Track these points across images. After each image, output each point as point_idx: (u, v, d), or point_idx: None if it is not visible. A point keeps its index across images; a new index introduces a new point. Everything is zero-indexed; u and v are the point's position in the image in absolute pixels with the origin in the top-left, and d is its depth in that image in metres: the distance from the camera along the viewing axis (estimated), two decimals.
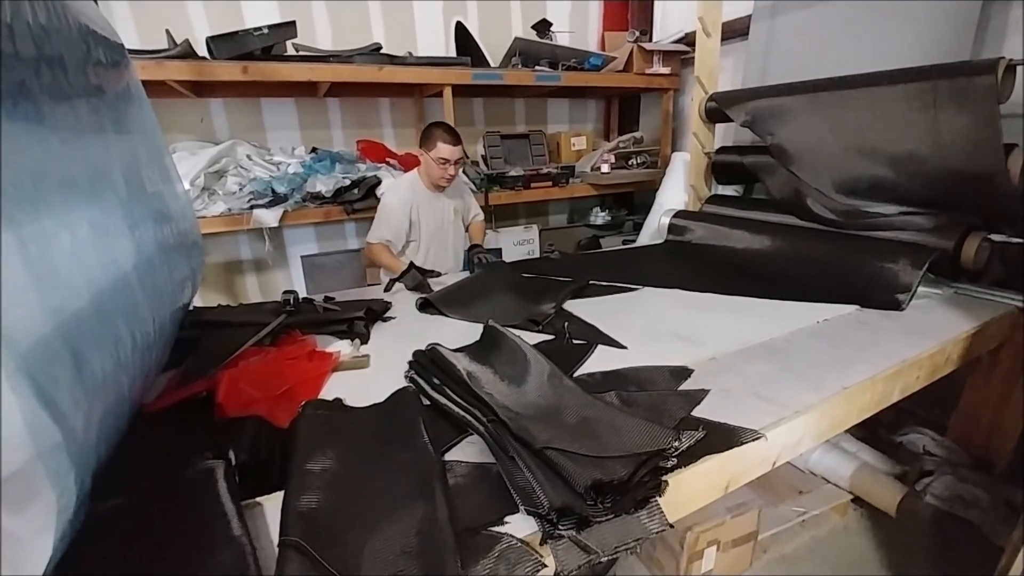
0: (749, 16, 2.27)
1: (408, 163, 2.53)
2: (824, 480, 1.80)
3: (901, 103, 1.47)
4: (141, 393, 0.87)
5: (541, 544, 0.61)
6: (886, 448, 1.89)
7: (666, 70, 2.78)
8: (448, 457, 0.78)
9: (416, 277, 1.75)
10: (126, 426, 0.77)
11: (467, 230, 2.29)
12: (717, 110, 2.11)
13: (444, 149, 1.93)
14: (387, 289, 1.79)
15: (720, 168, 2.27)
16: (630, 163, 2.93)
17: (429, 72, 2.36)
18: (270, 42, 2.07)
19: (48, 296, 0.54)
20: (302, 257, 2.65)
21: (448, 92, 2.42)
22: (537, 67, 2.67)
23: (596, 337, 1.19)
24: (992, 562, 1.13)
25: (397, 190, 2.08)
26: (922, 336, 1.15)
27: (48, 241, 0.57)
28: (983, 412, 1.78)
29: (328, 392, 0.99)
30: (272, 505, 0.70)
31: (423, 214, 2.05)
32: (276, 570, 0.56)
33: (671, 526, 0.64)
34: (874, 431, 1.93)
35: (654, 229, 2.41)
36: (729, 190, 2.39)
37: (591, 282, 1.67)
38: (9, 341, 0.44)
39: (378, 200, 2.17)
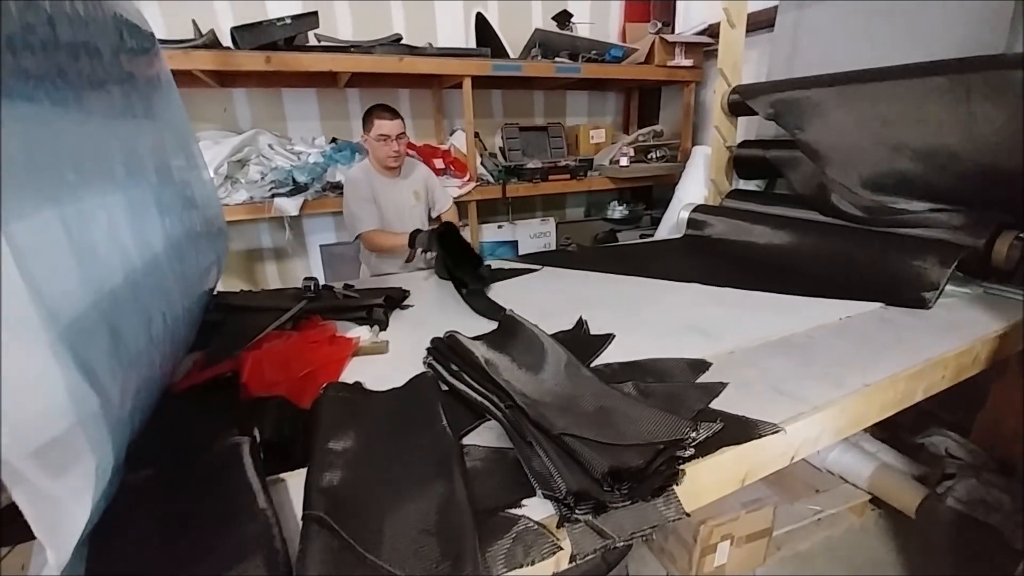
0: (775, 7, 2.22)
1: (426, 154, 2.54)
2: (842, 479, 1.78)
3: (933, 96, 1.43)
4: (170, 372, 0.90)
5: (557, 527, 0.61)
6: (907, 450, 1.86)
7: (688, 62, 2.74)
8: (466, 441, 0.79)
9: (425, 237, 1.71)
10: (156, 402, 0.80)
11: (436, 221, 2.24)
12: (740, 103, 2.07)
13: (382, 125, 1.94)
14: (409, 260, 1.79)
15: (742, 162, 2.23)
16: (649, 157, 2.90)
17: (449, 63, 2.37)
18: (293, 32, 2.09)
19: (87, 273, 0.56)
20: (321, 246, 2.69)
21: (468, 83, 2.42)
22: (557, 59, 2.65)
23: None
24: (1013, 567, 1.11)
25: (351, 181, 2.07)
26: (949, 335, 1.12)
27: (86, 220, 0.59)
28: (1009, 416, 1.73)
29: (348, 376, 1.01)
30: (295, 482, 0.72)
31: (380, 200, 2.05)
32: (300, 542, 0.58)
33: (687, 515, 0.64)
34: (895, 432, 1.90)
35: (673, 224, 2.38)
36: (750, 185, 2.35)
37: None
38: (52, 313, 0.46)
39: None
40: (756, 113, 1.99)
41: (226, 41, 2.06)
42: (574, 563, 0.61)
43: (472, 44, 2.66)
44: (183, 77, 2.00)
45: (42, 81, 0.56)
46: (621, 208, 3.12)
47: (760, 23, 2.31)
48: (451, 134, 2.87)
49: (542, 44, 2.67)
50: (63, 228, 0.52)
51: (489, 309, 1.34)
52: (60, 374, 0.44)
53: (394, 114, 1.98)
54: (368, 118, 1.98)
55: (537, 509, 0.64)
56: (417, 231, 1.80)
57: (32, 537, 0.62)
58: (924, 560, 1.56)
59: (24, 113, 0.50)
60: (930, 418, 1.94)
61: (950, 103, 1.39)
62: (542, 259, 1.96)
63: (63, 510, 0.47)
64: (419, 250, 1.74)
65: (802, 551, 1.61)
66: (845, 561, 1.57)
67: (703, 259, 1.89)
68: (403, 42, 2.35)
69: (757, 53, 2.42)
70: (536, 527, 0.61)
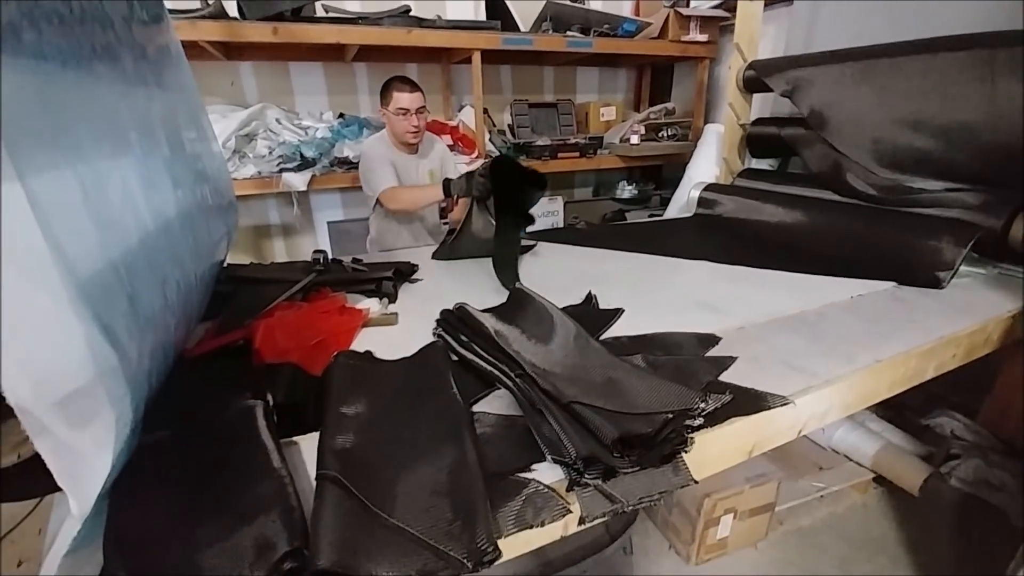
0: None
1: (435, 130, 2.51)
2: (846, 458, 1.79)
3: (955, 72, 1.40)
4: (184, 337, 0.91)
5: (567, 491, 0.62)
6: (913, 430, 1.86)
7: (703, 37, 2.68)
8: (475, 409, 0.79)
9: (462, 182, 1.56)
10: (171, 366, 0.81)
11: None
12: (756, 79, 2.03)
13: (400, 98, 1.84)
14: (446, 213, 1.78)
15: (755, 140, 2.19)
16: (660, 135, 2.86)
17: (458, 36, 2.32)
18: (300, 3, 2.06)
19: (103, 232, 0.56)
20: (328, 223, 2.69)
21: (477, 57, 2.38)
22: (568, 32, 2.60)
23: None
24: (1015, 546, 1.11)
25: (369, 147, 1.98)
26: (962, 314, 1.11)
27: (102, 181, 0.59)
28: (1017, 398, 1.73)
29: (358, 346, 1.02)
30: (308, 445, 0.73)
31: (399, 176, 1.94)
32: (315, 500, 0.59)
33: (696, 481, 0.65)
34: (901, 413, 1.90)
35: (683, 203, 2.36)
36: (763, 164, 2.32)
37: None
38: (71, 268, 0.46)
39: None
40: (772, 90, 1.95)
41: (233, 12, 2.03)
42: (582, 525, 0.62)
43: (482, 17, 2.61)
44: (190, 49, 1.96)
45: (57, 43, 0.55)
46: (630, 188, 3.08)
47: None
48: (459, 110, 2.83)
49: (553, 17, 2.61)
50: (79, 186, 0.52)
51: (508, 264, 1.31)
52: (80, 328, 0.45)
53: (414, 86, 1.88)
54: (386, 91, 1.89)
55: (547, 474, 0.65)
56: (448, 180, 1.65)
57: (50, 492, 0.64)
58: (926, 538, 1.58)
59: (41, 71, 0.50)
60: (937, 400, 1.94)
61: (973, 79, 1.36)
62: (551, 237, 1.95)
63: (85, 461, 0.48)
64: (456, 196, 1.61)
65: (804, 527, 1.63)
66: (847, 538, 1.59)
67: (713, 237, 1.87)
68: (412, 14, 2.31)
69: (774, 28, 2.36)
70: (546, 490, 0.62)
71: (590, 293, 1.22)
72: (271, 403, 0.77)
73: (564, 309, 1.07)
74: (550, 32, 2.59)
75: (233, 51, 2.30)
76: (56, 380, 0.44)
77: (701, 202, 2.13)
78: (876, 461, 1.70)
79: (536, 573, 1.02)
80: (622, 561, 1.26)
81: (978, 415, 1.85)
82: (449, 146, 2.51)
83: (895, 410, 1.89)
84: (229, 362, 0.96)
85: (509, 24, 2.50)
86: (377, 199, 1.93)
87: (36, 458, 0.52)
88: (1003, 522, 1.59)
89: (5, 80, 0.42)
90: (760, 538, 1.58)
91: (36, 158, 0.45)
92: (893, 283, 1.30)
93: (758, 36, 2.11)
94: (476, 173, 1.53)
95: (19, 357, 0.39)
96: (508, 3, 2.53)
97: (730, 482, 1.44)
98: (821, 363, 0.89)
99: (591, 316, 1.11)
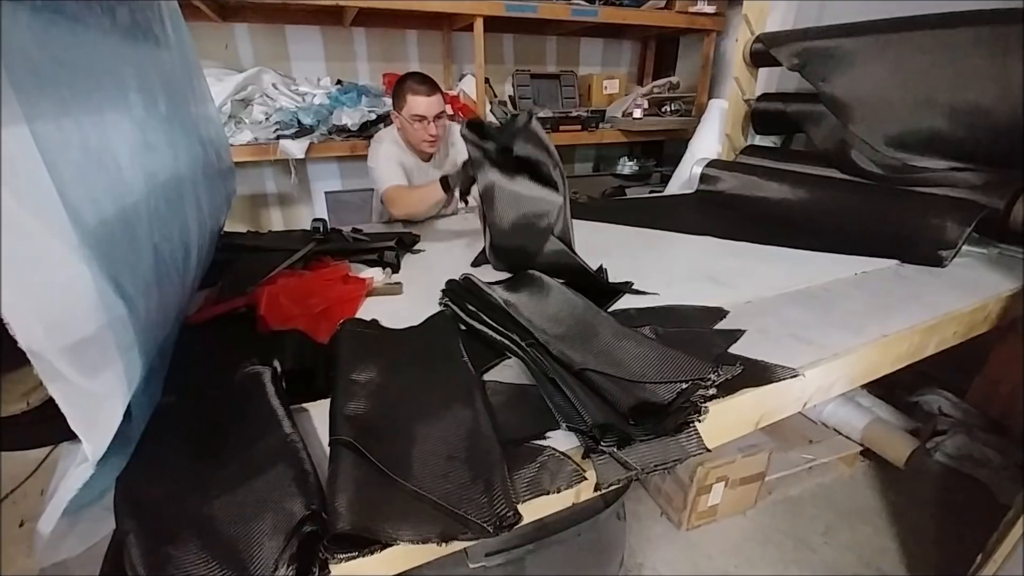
0: None
1: None
2: (836, 432, 1.83)
3: (970, 48, 1.37)
4: (187, 301, 0.89)
5: (583, 459, 0.63)
6: (902, 407, 1.91)
7: (711, 9, 2.62)
8: (486, 378, 0.79)
9: (458, 176, 1.38)
10: (177, 326, 0.79)
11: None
12: (764, 52, 1.99)
13: (417, 103, 1.58)
14: (447, 207, 1.63)
15: (760, 116, 2.16)
16: (664, 110, 2.82)
17: (460, 2, 2.25)
18: None
19: (108, 182, 0.54)
20: (326, 193, 2.64)
21: (479, 24, 2.31)
22: (573, 0, 2.52)
23: None
24: (997, 519, 1.15)
25: (381, 138, 1.78)
26: (964, 292, 1.12)
27: (107, 133, 0.57)
28: (1006, 377, 1.77)
29: (363, 315, 1.01)
30: (318, 412, 0.73)
31: (410, 182, 1.71)
32: (330, 465, 0.59)
33: (708, 450, 0.66)
34: (891, 390, 1.95)
35: (685, 179, 2.34)
36: (767, 141, 2.29)
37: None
38: (78, 216, 0.44)
39: None
40: (779, 64, 1.91)
41: None
42: (597, 492, 0.63)
43: None
44: (184, 8, 1.89)
45: None
46: (631, 164, 3.05)
47: None
48: (460, 79, 2.76)
49: None
50: (84, 137, 0.50)
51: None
52: (89, 276, 0.44)
53: (432, 87, 1.62)
54: (400, 92, 1.63)
55: (561, 442, 0.66)
56: (445, 177, 1.46)
57: (60, 440, 0.64)
58: (910, 510, 1.63)
59: (43, 18, 0.48)
60: (927, 379, 1.98)
61: (987, 56, 1.34)
62: None
63: (99, 406, 0.48)
64: (456, 190, 1.42)
65: (792, 496, 1.68)
66: (833, 507, 1.64)
67: (716, 213, 1.87)
68: None
69: (785, 2, 2.30)
70: (561, 456, 0.62)
71: (601, 266, 1.21)
72: (279, 369, 0.76)
73: (572, 282, 1.06)
74: (555, 0, 2.52)
75: (228, 12, 2.21)
76: (68, 325, 0.43)
77: (703, 178, 2.11)
78: (864, 435, 1.75)
79: (531, 536, 1.04)
80: (615, 526, 1.29)
81: (966, 394, 1.89)
82: (449, 116, 2.45)
83: (886, 387, 1.92)
84: (232, 329, 0.95)
85: None
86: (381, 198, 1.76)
87: (45, 406, 0.51)
88: (985, 496, 1.65)
89: (8, 25, 0.40)
90: (749, 506, 1.62)
91: (41, 104, 0.43)
92: (896, 261, 1.31)
93: (768, 8, 2.06)
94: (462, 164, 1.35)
95: (33, 301, 0.38)
96: None
97: (723, 451, 1.47)
98: (830, 335, 0.90)
99: (599, 289, 1.10)
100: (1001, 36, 1.31)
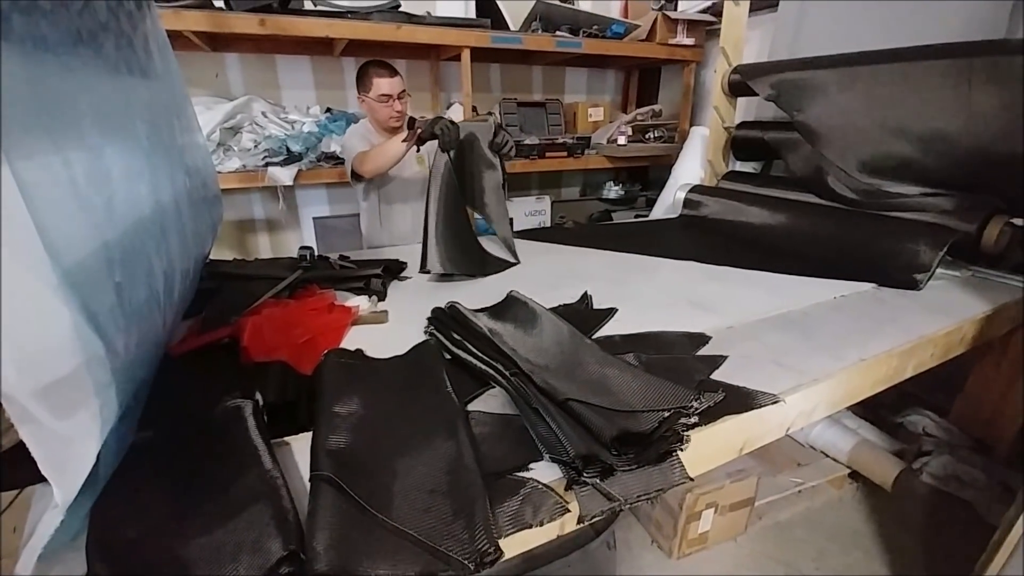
0: None
1: None
2: (823, 454, 1.84)
3: (934, 80, 1.44)
4: (169, 332, 0.88)
5: (565, 490, 0.62)
6: (887, 428, 1.92)
7: (690, 41, 2.71)
8: (470, 408, 0.79)
9: (426, 122, 1.51)
10: (157, 361, 0.78)
11: None
12: (741, 83, 2.06)
13: (381, 84, 1.79)
14: (408, 141, 1.59)
15: (740, 143, 2.23)
16: (647, 136, 2.89)
17: (448, 33, 2.31)
18: None
19: (90, 220, 0.54)
20: (314, 219, 2.64)
21: (466, 55, 2.37)
22: (558, 32, 2.60)
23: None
24: (985, 539, 1.15)
25: (351, 132, 1.93)
26: (939, 315, 1.15)
27: (89, 170, 0.57)
28: (987, 397, 1.79)
29: (348, 344, 1.00)
30: (299, 446, 0.72)
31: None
32: (310, 502, 0.58)
33: (691, 479, 0.66)
34: (876, 411, 1.96)
35: (669, 204, 2.39)
36: (747, 167, 2.36)
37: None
38: (57, 254, 0.44)
39: None
40: (756, 94, 1.98)
41: (219, 3, 1.99)
42: (580, 524, 0.62)
43: (472, 15, 2.60)
44: (174, 39, 1.89)
45: (45, 29, 0.53)
46: (617, 188, 3.11)
47: (764, 3, 2.28)
48: (448, 107, 2.82)
49: (543, 17, 2.61)
50: (66, 173, 0.51)
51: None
52: (67, 314, 0.44)
53: (392, 71, 1.83)
54: (364, 77, 1.82)
55: (544, 472, 0.65)
56: (413, 118, 1.61)
57: (31, 482, 0.62)
58: (899, 532, 1.63)
59: (30, 57, 0.48)
60: (910, 399, 2.00)
61: (951, 87, 1.40)
62: (538, 236, 1.95)
63: (70, 449, 0.47)
64: (418, 131, 1.52)
65: (782, 520, 1.67)
66: (823, 531, 1.63)
67: (699, 238, 1.90)
68: (401, 10, 2.29)
69: (760, 33, 2.40)
70: (544, 489, 0.62)
71: (586, 292, 1.22)
72: (260, 402, 0.75)
73: (557, 308, 1.07)
74: (540, 32, 2.60)
75: (219, 42, 2.24)
76: (41, 366, 0.42)
77: (687, 203, 2.16)
78: (851, 457, 1.75)
79: (520, 569, 1.02)
80: (605, 556, 1.27)
81: (949, 413, 1.91)
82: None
83: (870, 408, 1.94)
84: (215, 360, 0.94)
85: (499, 23, 2.50)
86: (362, 183, 1.91)
87: (17, 448, 0.50)
88: (973, 516, 1.65)
89: None
90: (740, 532, 1.61)
91: (24, 143, 0.43)
92: (873, 284, 1.34)
93: (743, 40, 2.14)
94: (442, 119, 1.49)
95: (6, 343, 0.37)
96: (498, 2, 2.52)
97: (711, 477, 1.47)
98: (810, 361, 0.91)
99: (583, 316, 1.11)
100: (963, 68, 1.37)
